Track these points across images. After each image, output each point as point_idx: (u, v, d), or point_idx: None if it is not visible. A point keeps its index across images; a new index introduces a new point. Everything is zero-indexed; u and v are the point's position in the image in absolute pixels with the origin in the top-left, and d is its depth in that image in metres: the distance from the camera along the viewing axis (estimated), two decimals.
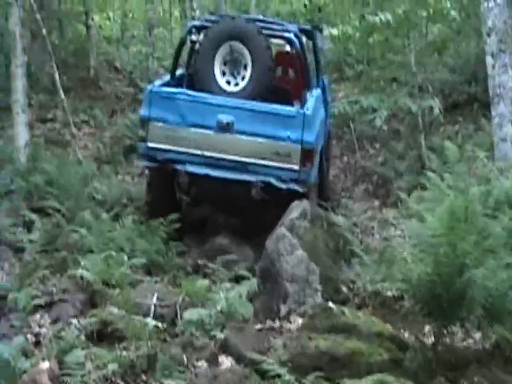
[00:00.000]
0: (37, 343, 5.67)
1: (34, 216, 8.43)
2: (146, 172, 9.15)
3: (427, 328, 5.77)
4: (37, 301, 6.28)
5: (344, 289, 6.43)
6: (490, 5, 9.54)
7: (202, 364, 5.24)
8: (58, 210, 8.62)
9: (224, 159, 8.11)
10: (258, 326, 6.09)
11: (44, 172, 9.81)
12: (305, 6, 19.51)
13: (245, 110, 8.13)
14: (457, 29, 12.94)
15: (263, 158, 8.06)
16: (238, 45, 8.49)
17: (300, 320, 6.13)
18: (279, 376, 4.90)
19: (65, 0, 20.73)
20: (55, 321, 6.15)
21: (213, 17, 9.45)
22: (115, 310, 5.80)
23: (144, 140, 8.25)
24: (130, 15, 30.23)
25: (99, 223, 7.94)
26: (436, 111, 9.65)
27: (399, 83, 14.46)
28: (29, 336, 5.82)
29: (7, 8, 10.60)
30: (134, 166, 13.48)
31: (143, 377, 5.11)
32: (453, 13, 10.65)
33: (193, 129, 8.13)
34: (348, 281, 6.59)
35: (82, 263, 6.81)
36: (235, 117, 8.08)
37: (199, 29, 9.21)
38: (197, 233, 8.87)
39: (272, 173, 8.08)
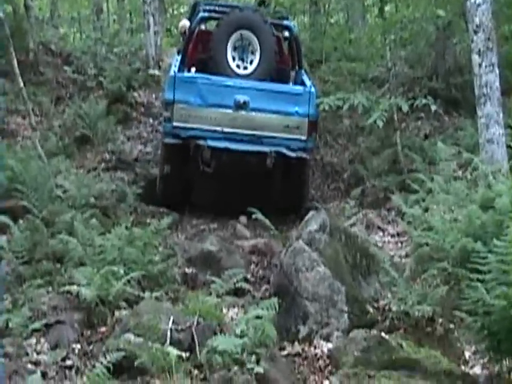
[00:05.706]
0: (44, 375, 5.01)
1: (5, 219, 7.57)
2: (164, 148, 9.98)
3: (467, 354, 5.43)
4: (33, 325, 5.58)
5: (371, 309, 5.93)
6: (477, 1, 9.23)
7: None
8: (29, 212, 7.85)
9: (241, 134, 9.31)
10: (284, 352, 5.57)
11: (7, 168, 8.97)
12: None
13: (258, 90, 9.38)
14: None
15: (275, 131, 9.33)
16: (247, 33, 9.66)
17: (325, 345, 5.65)
18: None
19: None
20: (55, 347, 5.50)
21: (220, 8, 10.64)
22: (131, 337, 5.16)
23: (169, 120, 9.27)
24: None
25: (85, 228, 7.17)
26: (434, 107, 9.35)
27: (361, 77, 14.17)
28: (29, 365, 5.17)
29: None
30: (88, 158, 12.72)
31: None
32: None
33: (213, 109, 9.29)
34: (372, 300, 6.10)
35: (76, 278, 6.14)
36: (250, 96, 9.30)
37: (206, 20, 10.86)
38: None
39: (283, 143, 9.38)
